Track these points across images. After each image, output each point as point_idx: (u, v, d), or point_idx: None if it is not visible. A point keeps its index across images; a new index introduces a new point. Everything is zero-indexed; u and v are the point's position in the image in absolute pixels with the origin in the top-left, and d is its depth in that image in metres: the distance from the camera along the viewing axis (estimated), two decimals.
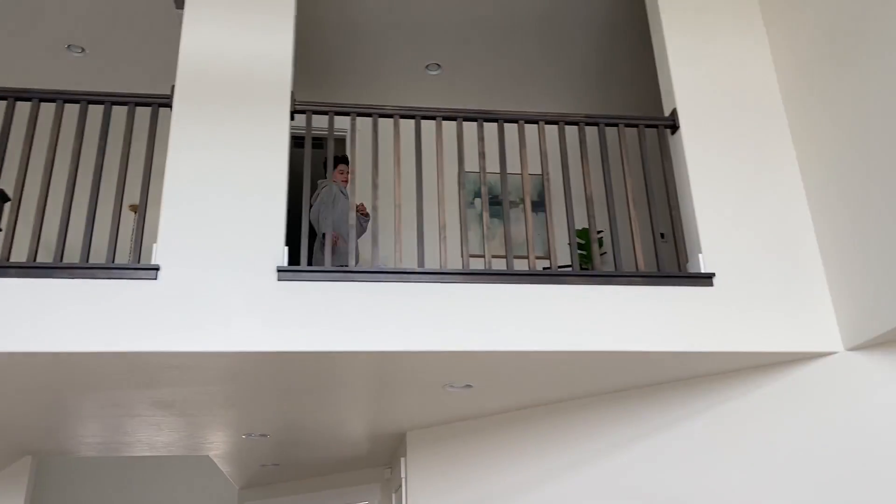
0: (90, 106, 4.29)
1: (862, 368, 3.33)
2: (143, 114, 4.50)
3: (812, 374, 3.45)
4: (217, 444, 5.17)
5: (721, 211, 3.66)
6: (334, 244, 4.41)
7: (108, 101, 3.54)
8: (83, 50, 5.32)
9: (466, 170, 5.76)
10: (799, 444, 3.40)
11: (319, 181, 4.92)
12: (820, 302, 3.51)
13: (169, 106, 3.57)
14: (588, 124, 3.82)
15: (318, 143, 6.29)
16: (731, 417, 3.61)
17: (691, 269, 3.62)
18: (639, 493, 3.77)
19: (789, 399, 3.48)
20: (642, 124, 3.83)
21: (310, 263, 4.37)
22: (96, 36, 5.17)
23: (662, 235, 4.89)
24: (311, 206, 4.53)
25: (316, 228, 4.53)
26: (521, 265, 5.55)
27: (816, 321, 3.46)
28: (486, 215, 3.56)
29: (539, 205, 5.93)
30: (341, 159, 4.93)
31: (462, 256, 3.52)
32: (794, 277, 3.55)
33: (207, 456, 6.15)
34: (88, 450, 5.28)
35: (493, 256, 5.52)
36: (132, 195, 6.47)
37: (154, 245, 3.26)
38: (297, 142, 6.06)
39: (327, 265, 3.38)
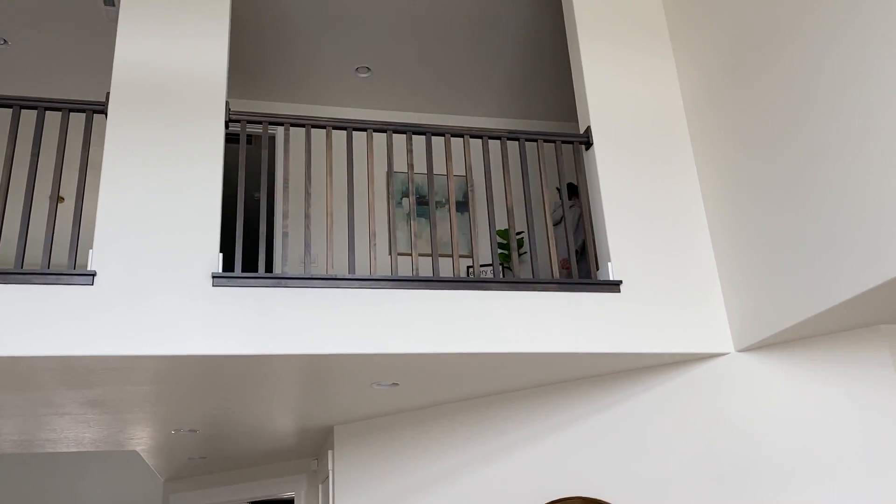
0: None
1: (750, 368, 3.71)
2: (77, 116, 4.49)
3: (706, 373, 3.82)
4: (145, 440, 5.23)
5: (628, 222, 3.98)
6: (567, 269, 5.13)
7: (42, 106, 3.58)
8: (6, 41, 5.24)
9: (396, 170, 5.95)
10: (693, 435, 3.76)
11: (555, 202, 5.44)
12: (714, 307, 3.87)
13: (104, 112, 3.63)
14: (510, 139, 4.06)
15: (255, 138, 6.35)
16: (636, 411, 3.95)
17: (601, 277, 3.93)
18: (553, 479, 4.08)
19: (686, 395, 3.84)
20: (559, 140, 4.10)
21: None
22: (20, 27, 5.11)
23: (578, 252, 5.22)
24: (556, 220, 5.30)
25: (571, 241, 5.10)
26: (446, 262, 5.79)
27: (710, 325, 3.82)
28: (413, 224, 3.77)
29: (466, 205, 6.17)
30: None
31: (390, 256, 3.72)
32: (692, 284, 3.90)
33: (134, 450, 6.17)
34: (9, 447, 5.26)
35: (420, 255, 5.74)
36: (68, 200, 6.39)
37: (90, 251, 3.34)
38: (231, 137, 6.10)
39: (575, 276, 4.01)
